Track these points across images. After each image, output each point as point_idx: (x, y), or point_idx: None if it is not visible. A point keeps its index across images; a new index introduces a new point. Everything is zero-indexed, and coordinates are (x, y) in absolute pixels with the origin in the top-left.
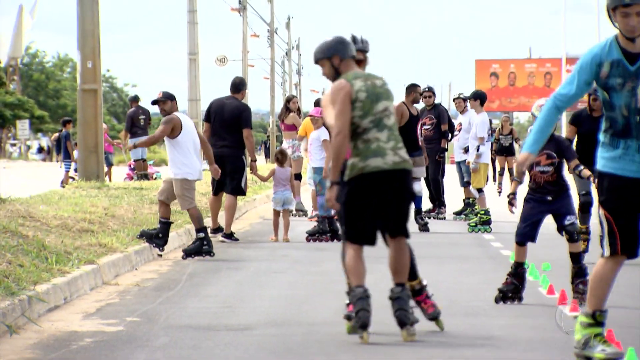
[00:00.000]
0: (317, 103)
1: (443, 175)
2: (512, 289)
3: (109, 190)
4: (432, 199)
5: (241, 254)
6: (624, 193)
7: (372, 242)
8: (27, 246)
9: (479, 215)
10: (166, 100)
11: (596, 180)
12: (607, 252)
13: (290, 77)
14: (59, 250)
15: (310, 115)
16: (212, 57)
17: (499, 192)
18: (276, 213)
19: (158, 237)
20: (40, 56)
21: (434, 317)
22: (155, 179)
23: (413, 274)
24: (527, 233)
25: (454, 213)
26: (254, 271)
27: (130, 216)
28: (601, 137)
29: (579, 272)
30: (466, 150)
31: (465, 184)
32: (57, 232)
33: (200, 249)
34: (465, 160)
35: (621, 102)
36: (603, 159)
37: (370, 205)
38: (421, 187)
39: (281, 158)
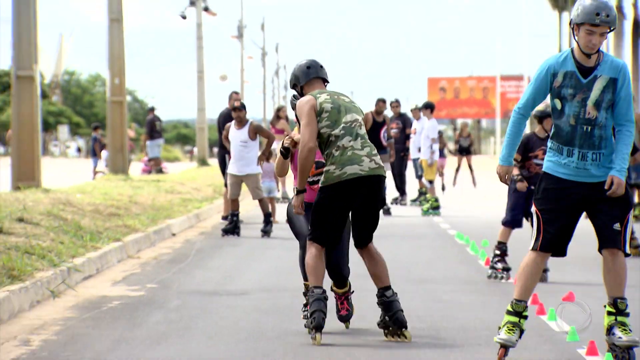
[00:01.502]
0: None
1: (405, 169)
2: (502, 267)
3: (132, 182)
4: (398, 188)
5: (241, 234)
6: (559, 195)
7: (334, 246)
8: (66, 227)
9: (430, 202)
10: (243, 109)
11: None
12: (531, 245)
13: (279, 91)
14: (92, 230)
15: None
16: (216, 74)
17: (454, 184)
18: (267, 199)
19: (236, 227)
20: (77, 74)
21: (345, 319)
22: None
23: (344, 282)
24: (516, 219)
25: (411, 200)
26: (249, 247)
27: (150, 203)
28: (549, 143)
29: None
30: (419, 149)
31: (419, 177)
32: (90, 216)
33: (270, 229)
34: (418, 158)
35: (571, 111)
36: (549, 162)
37: (341, 212)
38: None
39: (269, 155)
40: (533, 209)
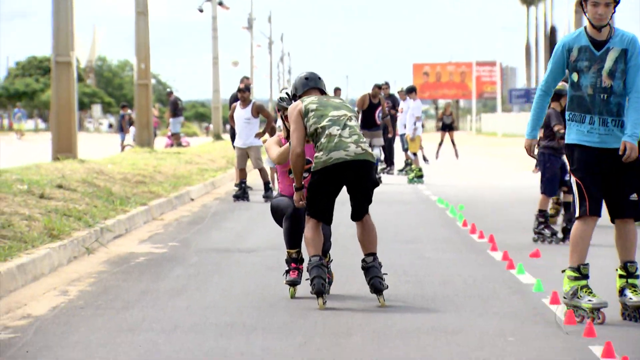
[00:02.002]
0: None
1: (393, 142)
2: (549, 233)
3: (156, 154)
4: (386, 159)
5: (250, 199)
6: (590, 161)
7: (328, 221)
8: (99, 193)
9: (414, 171)
10: (247, 91)
11: (567, 153)
12: (577, 213)
13: (284, 75)
14: (122, 196)
15: None
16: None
17: (437, 157)
18: (272, 169)
19: (245, 194)
20: (108, 60)
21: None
22: (186, 146)
23: (325, 254)
24: (554, 188)
25: (398, 170)
26: (258, 211)
27: (172, 172)
28: (568, 115)
29: (569, 219)
30: (405, 126)
31: (405, 150)
32: (120, 183)
33: (271, 194)
34: (404, 134)
35: (587, 82)
36: (573, 134)
37: (330, 194)
38: (379, 152)
39: (270, 132)
40: (573, 179)
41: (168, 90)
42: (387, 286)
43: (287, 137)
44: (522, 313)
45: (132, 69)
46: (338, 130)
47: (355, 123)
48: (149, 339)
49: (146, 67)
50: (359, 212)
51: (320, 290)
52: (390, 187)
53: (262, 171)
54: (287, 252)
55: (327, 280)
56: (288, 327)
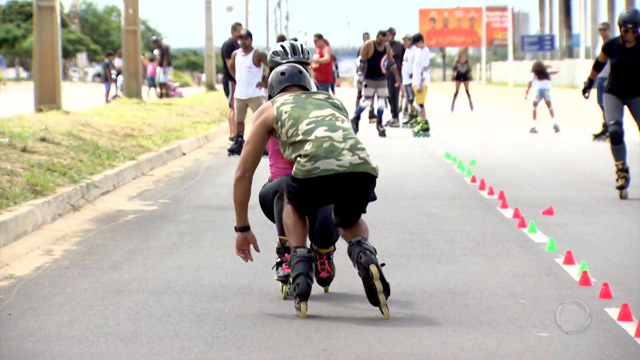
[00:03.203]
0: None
1: (398, 93)
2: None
3: (146, 105)
4: (392, 111)
5: None
6: None
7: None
8: (85, 146)
9: (420, 124)
10: (249, 37)
11: None
12: None
13: (281, 21)
14: (109, 150)
15: None
16: (222, 5)
17: (452, 109)
18: None
19: (241, 148)
20: (94, 4)
21: (326, 282)
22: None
23: (330, 243)
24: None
25: (403, 123)
26: None
27: (162, 125)
28: None
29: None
30: (410, 75)
31: (410, 101)
32: (107, 136)
33: None
34: (410, 84)
35: None
36: None
37: (315, 205)
38: (384, 104)
39: (262, 82)
40: None
41: (153, 38)
42: (384, 263)
43: None
44: (534, 273)
45: (119, 14)
46: (327, 132)
47: (348, 125)
48: (138, 300)
49: (134, 12)
50: (347, 221)
51: (305, 292)
52: (395, 140)
53: None
54: (279, 239)
55: (313, 280)
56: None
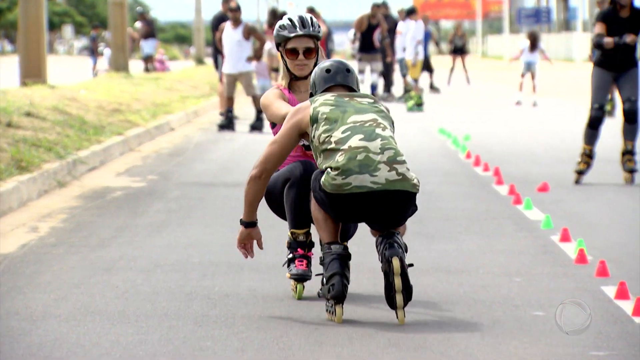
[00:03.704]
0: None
1: (392, 67)
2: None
3: (133, 80)
4: (385, 86)
5: (236, 129)
6: None
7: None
8: (71, 121)
9: (414, 98)
10: (238, 10)
11: None
12: None
13: None
14: (96, 125)
15: None
16: None
17: (448, 84)
18: (260, 96)
19: (231, 123)
20: None
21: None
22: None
23: (345, 238)
24: None
25: (397, 97)
26: (244, 142)
27: (150, 99)
28: None
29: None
30: (404, 49)
31: (404, 76)
32: (94, 111)
33: (261, 124)
34: (403, 58)
35: None
36: None
37: (344, 220)
38: (377, 78)
39: (260, 55)
40: None
41: (139, 9)
42: (412, 264)
43: (289, 87)
44: (530, 251)
45: None
46: (362, 140)
47: (389, 133)
48: (126, 278)
49: None
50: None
51: (341, 293)
52: None
53: (254, 99)
54: (291, 233)
55: (349, 280)
56: (277, 266)
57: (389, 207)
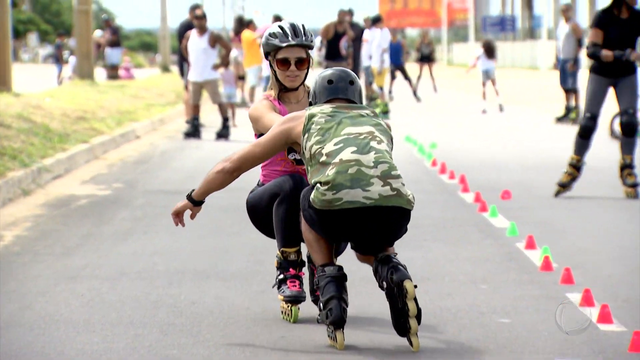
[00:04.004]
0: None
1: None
2: None
3: (99, 87)
4: None
5: (202, 137)
6: None
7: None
8: (36, 129)
9: (380, 106)
10: (204, 18)
11: None
12: None
13: (238, 1)
14: (61, 133)
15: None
16: None
17: (415, 93)
18: (229, 104)
19: (197, 131)
20: None
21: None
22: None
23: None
24: None
25: None
26: (210, 150)
27: (116, 107)
28: None
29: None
30: (370, 57)
31: (369, 84)
32: (59, 119)
33: (227, 132)
34: (369, 66)
35: None
36: None
37: (333, 239)
38: None
39: (227, 63)
40: None
41: (104, 17)
42: (416, 285)
43: (279, 98)
44: (495, 259)
45: None
46: (355, 154)
47: (385, 147)
48: (92, 286)
49: None
50: (368, 252)
51: (340, 318)
52: None
53: (221, 107)
54: (281, 252)
55: (348, 303)
56: (243, 274)
57: (381, 225)
